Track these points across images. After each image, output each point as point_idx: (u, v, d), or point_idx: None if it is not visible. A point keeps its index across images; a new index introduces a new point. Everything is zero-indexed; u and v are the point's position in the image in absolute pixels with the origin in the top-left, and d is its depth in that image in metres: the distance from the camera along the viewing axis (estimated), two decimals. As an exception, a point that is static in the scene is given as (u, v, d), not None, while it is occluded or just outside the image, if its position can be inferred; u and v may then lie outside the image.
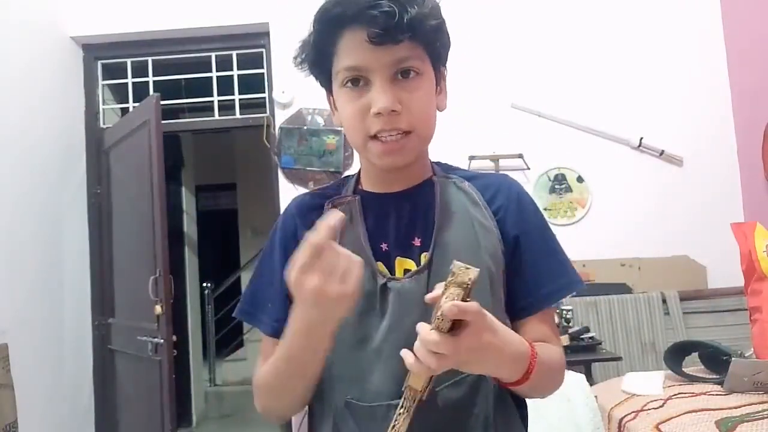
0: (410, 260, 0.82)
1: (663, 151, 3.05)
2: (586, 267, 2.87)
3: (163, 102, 2.88)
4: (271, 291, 0.84)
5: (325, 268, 0.63)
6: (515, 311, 0.84)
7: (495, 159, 3.02)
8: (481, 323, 0.64)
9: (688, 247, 2.97)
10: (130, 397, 3.02)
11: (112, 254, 3.17)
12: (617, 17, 3.15)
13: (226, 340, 6.19)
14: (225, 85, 3.34)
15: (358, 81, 0.77)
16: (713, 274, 2.93)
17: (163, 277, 2.66)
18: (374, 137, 0.78)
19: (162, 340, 2.63)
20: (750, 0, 2.96)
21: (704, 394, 1.33)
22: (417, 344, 0.63)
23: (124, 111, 3.41)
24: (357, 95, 0.77)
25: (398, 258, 0.82)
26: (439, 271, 0.77)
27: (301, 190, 2.98)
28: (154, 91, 3.27)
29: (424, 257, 0.81)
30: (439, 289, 0.63)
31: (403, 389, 0.67)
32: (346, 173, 2.84)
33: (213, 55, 3.34)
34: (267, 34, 3.23)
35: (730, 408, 1.22)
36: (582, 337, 2.45)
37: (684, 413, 1.23)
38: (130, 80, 3.38)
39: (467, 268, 0.62)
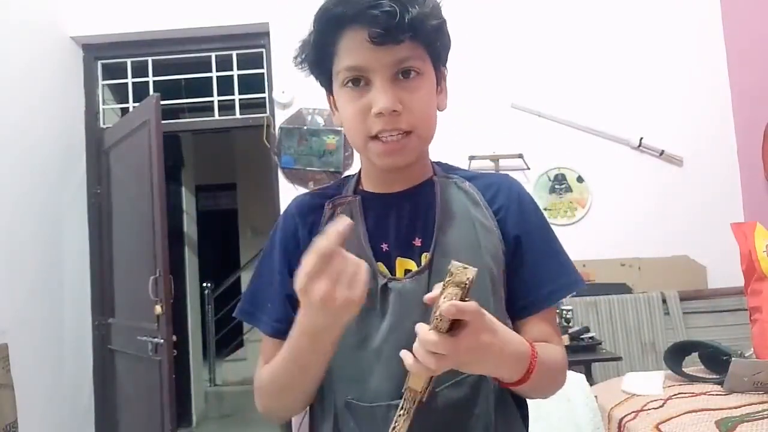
0: (411, 260, 0.82)
1: (663, 151, 3.05)
2: (586, 267, 2.87)
3: (163, 102, 2.87)
4: (271, 291, 0.84)
5: (332, 275, 0.63)
6: (516, 311, 0.84)
7: (495, 159, 3.02)
8: (480, 323, 0.63)
9: (688, 247, 2.97)
10: (130, 397, 3.02)
11: (112, 254, 3.17)
12: (617, 17, 3.15)
13: (226, 340, 6.19)
14: (225, 85, 3.34)
15: (358, 81, 0.77)
16: (713, 274, 2.93)
17: (163, 277, 2.66)
18: (375, 137, 0.78)
19: (162, 340, 2.63)
20: (750, 0, 2.97)
21: (704, 394, 1.33)
22: (416, 345, 0.62)
23: (124, 111, 3.41)
24: (357, 95, 0.77)
25: (399, 258, 0.82)
26: (439, 272, 0.77)
27: (301, 190, 2.98)
28: (154, 91, 3.27)
29: (424, 257, 0.81)
30: (437, 289, 0.63)
31: (403, 390, 0.67)
32: (346, 173, 2.84)
33: (213, 55, 3.34)
34: (267, 34, 3.23)
35: (730, 408, 1.21)
36: (582, 337, 2.45)
37: (684, 413, 1.22)
38: (130, 80, 3.38)
39: (465, 268, 0.61)
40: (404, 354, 0.64)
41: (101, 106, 3.37)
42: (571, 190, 3.08)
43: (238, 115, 3.35)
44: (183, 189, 4.76)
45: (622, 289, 2.89)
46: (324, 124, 3.11)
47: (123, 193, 3.09)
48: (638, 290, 2.89)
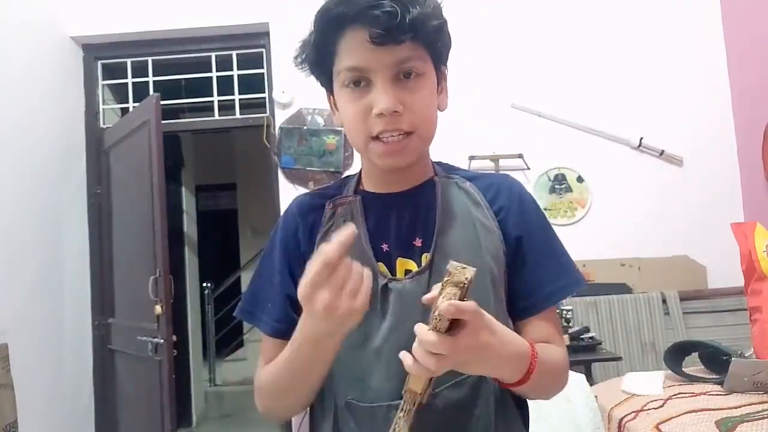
0: (411, 261, 0.82)
1: (663, 151, 3.05)
2: (586, 267, 2.87)
3: (163, 102, 2.87)
4: (272, 291, 0.84)
5: (336, 284, 0.63)
6: (517, 311, 0.84)
7: (495, 159, 3.02)
8: (479, 322, 0.63)
9: (688, 247, 2.97)
10: (130, 397, 3.02)
11: (112, 254, 3.17)
12: (617, 17, 3.15)
13: (226, 340, 6.19)
14: (225, 85, 3.34)
15: (359, 83, 0.77)
16: (713, 274, 2.93)
17: (163, 277, 2.66)
18: (376, 138, 0.78)
19: (162, 340, 2.63)
20: (750, 0, 2.97)
21: (704, 394, 1.33)
22: (415, 345, 0.62)
23: (124, 111, 3.41)
24: (358, 96, 0.77)
25: (399, 258, 0.82)
26: (440, 272, 0.76)
27: (301, 190, 2.98)
28: (154, 91, 3.27)
29: (425, 258, 0.81)
30: (436, 289, 0.63)
31: (402, 392, 0.67)
32: (346, 173, 2.84)
33: (213, 55, 3.34)
34: (267, 34, 3.23)
35: (730, 408, 1.21)
36: (582, 337, 2.45)
37: (684, 413, 1.22)
38: (130, 80, 3.38)
39: (463, 268, 0.61)
40: (403, 355, 0.64)
41: (101, 106, 3.37)
42: (571, 190, 3.08)
43: (238, 115, 3.35)
44: (183, 189, 4.76)
45: (622, 289, 2.89)
46: (324, 124, 3.11)
47: (123, 193, 3.09)
48: (638, 290, 2.89)
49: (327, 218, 0.85)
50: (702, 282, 2.93)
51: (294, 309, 0.69)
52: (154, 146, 2.73)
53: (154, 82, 3.35)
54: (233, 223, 6.50)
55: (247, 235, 6.37)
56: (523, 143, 3.05)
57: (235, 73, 3.34)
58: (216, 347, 6.00)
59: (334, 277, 0.63)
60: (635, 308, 2.80)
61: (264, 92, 3.30)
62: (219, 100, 3.34)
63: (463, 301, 0.61)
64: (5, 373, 2.19)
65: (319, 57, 0.80)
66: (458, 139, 2.81)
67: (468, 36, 3.04)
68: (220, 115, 3.36)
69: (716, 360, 1.44)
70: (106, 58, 3.37)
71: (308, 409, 0.87)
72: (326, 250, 0.62)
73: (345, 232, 0.63)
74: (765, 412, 1.15)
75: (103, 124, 3.36)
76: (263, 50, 3.29)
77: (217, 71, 3.33)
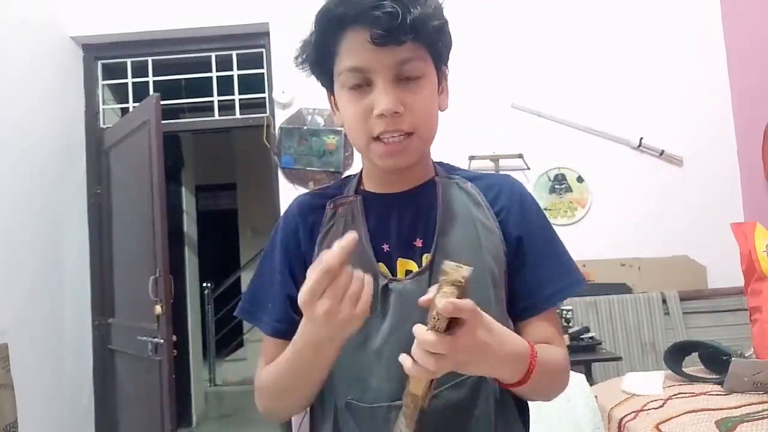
0: (412, 261, 0.82)
1: (663, 151, 3.05)
2: (586, 267, 2.87)
3: (163, 102, 2.87)
4: (272, 291, 0.84)
5: (337, 291, 0.63)
6: (517, 311, 0.84)
7: (495, 159, 3.02)
8: (477, 321, 0.63)
9: (688, 247, 2.97)
10: (130, 397, 3.02)
11: (112, 254, 3.17)
12: (617, 17, 3.15)
13: (226, 340, 6.19)
14: (225, 85, 3.34)
15: (360, 86, 0.76)
16: (713, 274, 2.93)
17: (163, 277, 2.66)
18: (377, 138, 0.77)
19: (162, 340, 2.63)
20: (750, 0, 2.97)
21: (704, 394, 1.33)
22: (414, 347, 0.62)
23: (124, 111, 3.41)
24: (359, 96, 0.77)
25: (400, 259, 0.82)
26: (440, 273, 0.77)
27: (301, 190, 2.98)
28: (154, 91, 3.27)
29: (425, 258, 0.81)
30: (432, 291, 0.62)
31: (403, 396, 0.66)
32: (347, 173, 2.84)
33: (213, 55, 3.34)
34: (267, 34, 3.23)
35: (730, 408, 1.21)
36: (582, 337, 2.45)
37: (684, 413, 1.22)
38: (130, 80, 3.38)
39: (459, 267, 0.61)
40: (403, 358, 0.63)
41: (101, 106, 3.37)
42: (571, 190, 3.08)
43: (238, 115, 3.35)
44: (183, 189, 4.76)
45: (622, 289, 2.89)
46: (324, 124, 3.11)
47: (123, 193, 3.09)
48: (638, 290, 2.89)
49: (328, 218, 0.85)
50: (702, 282, 2.93)
51: (294, 309, 0.69)
52: (154, 146, 2.73)
53: (154, 82, 3.35)
54: (233, 223, 6.50)
55: (247, 235, 6.37)
56: (523, 143, 3.05)
57: (235, 73, 3.34)
58: (216, 347, 6.00)
59: (335, 284, 0.62)
60: (635, 308, 2.80)
61: (264, 92, 3.30)
62: (219, 100, 3.34)
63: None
64: (5, 373, 2.19)
65: (319, 57, 0.80)
66: (458, 139, 2.81)
67: (468, 36, 3.04)
68: (220, 115, 3.36)
69: (716, 360, 1.44)
70: (106, 58, 3.37)
71: (308, 409, 0.87)
72: (327, 257, 0.62)
73: (346, 239, 0.63)
74: (765, 412, 1.15)
75: (103, 124, 3.36)
76: (263, 50, 3.29)
77: (217, 71, 3.33)
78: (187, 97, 3.44)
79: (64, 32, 3.16)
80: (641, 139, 3.05)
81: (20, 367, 2.29)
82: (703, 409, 1.22)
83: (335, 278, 0.62)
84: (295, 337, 0.73)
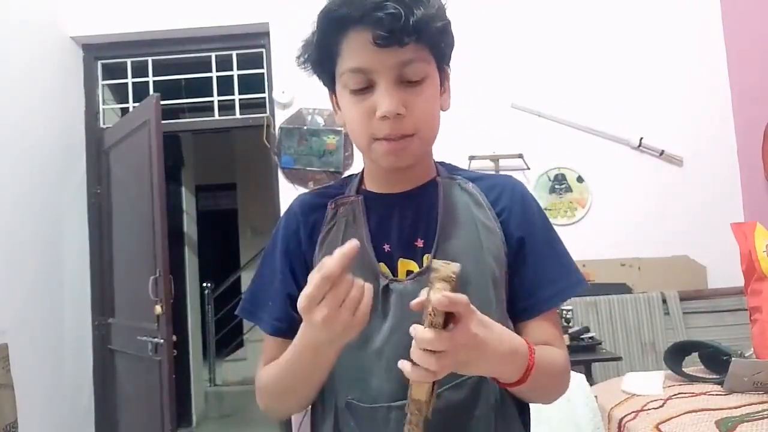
0: (413, 262, 0.81)
1: (663, 151, 3.05)
2: (586, 267, 2.87)
3: (163, 102, 2.87)
4: (272, 290, 0.85)
5: (336, 298, 0.62)
6: (517, 312, 0.84)
7: (495, 159, 3.02)
8: (471, 315, 0.63)
9: (688, 247, 2.97)
10: (130, 397, 3.02)
11: (112, 254, 3.17)
12: (617, 17, 3.15)
13: (226, 340, 6.19)
14: (225, 85, 3.34)
15: (362, 89, 0.76)
16: (713, 274, 2.93)
17: (163, 277, 2.66)
18: (378, 138, 0.77)
19: (162, 340, 2.63)
20: (750, 0, 2.97)
21: (704, 394, 1.33)
22: (413, 348, 0.62)
23: (124, 111, 3.41)
24: (361, 97, 0.77)
25: (401, 259, 0.82)
26: (430, 271, 0.77)
27: (301, 190, 2.98)
28: (154, 91, 3.27)
29: (426, 259, 0.80)
30: (424, 293, 0.62)
31: (405, 408, 0.65)
32: (347, 173, 2.84)
33: (213, 55, 3.34)
34: (267, 34, 3.23)
35: (730, 408, 1.21)
36: (582, 337, 2.45)
37: (684, 413, 1.22)
38: (130, 80, 3.38)
39: (448, 263, 0.61)
40: (402, 364, 0.63)
41: (101, 106, 3.37)
42: (571, 190, 3.09)
43: (238, 115, 3.35)
44: (183, 189, 4.76)
45: (622, 289, 2.89)
46: (324, 124, 3.11)
47: (123, 193, 3.09)
48: (638, 290, 2.89)
49: (329, 218, 0.85)
50: (702, 282, 2.94)
51: (295, 308, 0.69)
52: (154, 146, 2.73)
53: (154, 82, 3.35)
54: (233, 223, 6.50)
55: (247, 235, 6.37)
56: (523, 143, 3.05)
57: (235, 73, 3.34)
58: (216, 347, 6.00)
59: (335, 290, 0.62)
60: (635, 308, 2.80)
61: (264, 92, 3.30)
62: (219, 100, 3.34)
63: None
64: (5, 373, 2.19)
65: (321, 57, 0.79)
66: (458, 139, 2.81)
67: (468, 36, 3.04)
68: (220, 115, 3.36)
69: (716, 360, 1.44)
70: (106, 58, 3.37)
71: (309, 408, 0.87)
72: (327, 263, 0.61)
73: (347, 245, 0.62)
74: (765, 412, 1.15)
75: (103, 124, 3.36)
76: (263, 50, 3.29)
77: (217, 71, 3.33)
78: (187, 97, 3.43)
79: (64, 32, 3.16)
80: (641, 139, 3.05)
81: (20, 367, 2.29)
82: (703, 409, 1.22)
83: (335, 284, 0.62)
84: (295, 339, 0.73)
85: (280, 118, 3.15)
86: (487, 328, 0.65)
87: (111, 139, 3.20)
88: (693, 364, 1.55)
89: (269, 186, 3.25)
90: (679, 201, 3.03)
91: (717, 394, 1.32)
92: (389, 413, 0.76)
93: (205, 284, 5.60)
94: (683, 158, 3.06)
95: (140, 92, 3.30)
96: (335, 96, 0.83)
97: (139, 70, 3.38)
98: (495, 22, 3.16)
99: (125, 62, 3.37)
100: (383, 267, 0.81)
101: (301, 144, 3.11)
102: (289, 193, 3.06)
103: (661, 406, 1.30)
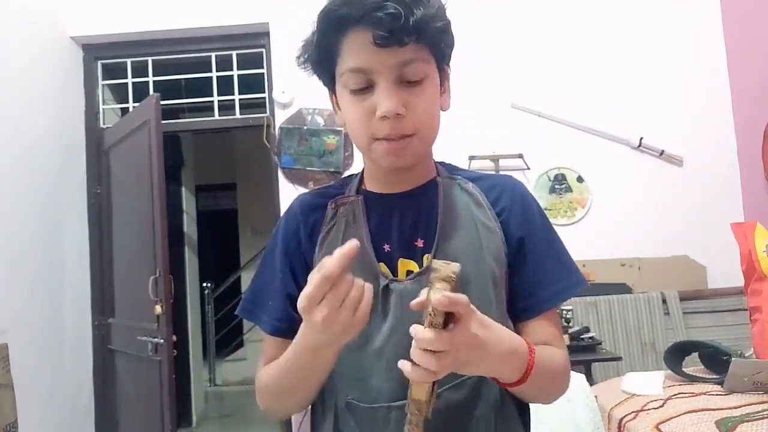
0: (413, 262, 0.81)
1: (663, 151, 3.05)
2: (586, 267, 2.87)
3: (163, 102, 2.87)
4: (272, 290, 0.85)
5: (336, 298, 0.62)
6: (517, 312, 0.84)
7: (495, 159, 3.02)
8: (471, 315, 0.63)
9: (688, 247, 2.97)
10: (130, 397, 3.02)
11: (112, 254, 3.17)
12: (617, 17, 3.15)
13: (226, 340, 6.19)
14: (225, 85, 3.34)
15: (362, 89, 0.76)
16: (713, 274, 2.93)
17: (163, 277, 2.66)
18: (378, 138, 0.77)
19: (162, 340, 2.63)
20: (750, 0, 2.97)
21: (704, 394, 1.33)
22: (413, 348, 0.62)
23: (124, 111, 3.41)
24: (361, 97, 0.77)
25: (401, 259, 0.82)
26: (430, 271, 0.76)
27: (301, 190, 2.98)
28: (154, 91, 3.27)
29: (426, 259, 0.80)
30: (423, 293, 0.62)
31: (405, 409, 0.65)
32: (347, 173, 2.84)
33: (213, 55, 3.34)
34: (267, 34, 3.23)
35: (730, 408, 1.21)
36: (582, 337, 2.45)
37: (684, 413, 1.22)
38: (130, 80, 3.38)
39: (448, 263, 0.61)
40: (402, 364, 0.63)
41: (101, 106, 3.37)
42: (571, 190, 3.09)
43: (238, 115, 3.35)
44: (183, 189, 4.76)
45: (622, 289, 2.89)
46: (324, 124, 3.11)
47: (123, 193, 3.09)
48: (638, 290, 2.89)
49: (329, 218, 0.85)
50: (702, 282, 2.94)
51: (295, 308, 0.69)
52: (154, 146, 2.73)
53: (154, 82, 3.35)
54: (233, 223, 6.50)
55: (247, 235, 6.37)
56: (523, 143, 3.05)
57: (235, 73, 3.34)
58: (216, 347, 6.00)
59: (334, 290, 0.62)
60: (635, 308, 2.80)
61: (264, 92, 3.30)
62: (219, 100, 3.34)
63: None
64: (5, 373, 2.19)
65: (321, 57, 0.79)
66: (458, 139, 2.81)
67: (468, 36, 3.04)
68: (220, 115, 3.36)
69: (716, 360, 1.44)
70: (106, 58, 3.37)
71: (309, 408, 0.87)
72: (327, 263, 0.61)
73: (348, 246, 0.62)
74: (765, 412, 1.15)
75: (103, 124, 3.36)
76: (263, 50, 3.29)
77: (217, 71, 3.33)
78: (187, 97, 3.44)
79: (64, 32, 3.16)
80: (641, 139, 3.05)
81: (20, 367, 2.29)
82: (703, 409, 1.22)
83: (335, 284, 0.62)
84: (295, 339, 0.73)
85: (280, 118, 3.15)
86: (487, 328, 0.65)
87: (111, 139, 3.20)
88: (693, 364, 1.55)
89: (269, 186, 3.25)
90: (679, 201, 3.03)
91: (717, 394, 1.32)
92: (389, 413, 0.76)
93: (205, 284, 5.60)
94: (683, 158, 3.06)
95: (140, 92, 3.30)
96: (335, 96, 0.83)
97: (139, 70, 3.38)
98: (495, 22, 3.16)
99: (125, 62, 3.37)
100: (383, 267, 0.81)
101: (301, 144, 3.11)
102: (289, 193, 3.06)
103: (661, 406, 1.30)
